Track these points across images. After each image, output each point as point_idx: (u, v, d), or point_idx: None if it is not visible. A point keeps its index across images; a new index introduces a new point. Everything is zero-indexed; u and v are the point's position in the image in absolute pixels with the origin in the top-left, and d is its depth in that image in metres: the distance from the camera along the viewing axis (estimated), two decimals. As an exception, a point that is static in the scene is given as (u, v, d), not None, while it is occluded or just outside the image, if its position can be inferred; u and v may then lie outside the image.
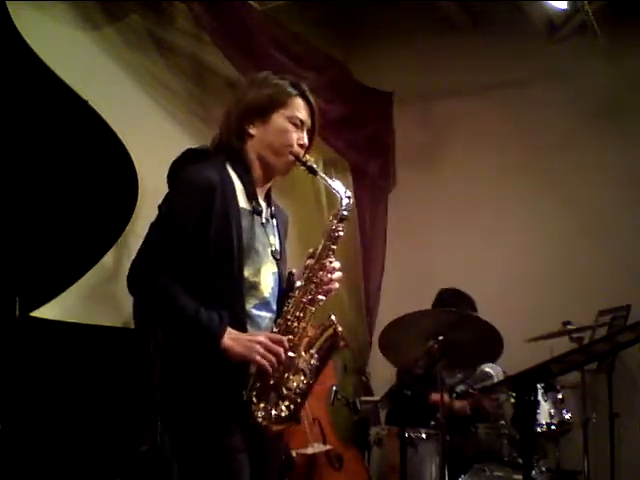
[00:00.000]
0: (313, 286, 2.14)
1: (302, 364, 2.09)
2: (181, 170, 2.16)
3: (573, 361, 2.35)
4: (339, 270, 2.20)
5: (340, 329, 2.14)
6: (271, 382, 2.04)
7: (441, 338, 3.20)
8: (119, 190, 2.55)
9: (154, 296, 2.04)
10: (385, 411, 4.16)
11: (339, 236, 2.19)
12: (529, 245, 4.92)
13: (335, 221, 2.19)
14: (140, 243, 3.00)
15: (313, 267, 2.16)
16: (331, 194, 5.12)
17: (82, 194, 2.45)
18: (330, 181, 2.23)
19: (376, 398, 4.01)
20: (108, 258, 2.63)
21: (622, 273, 4.55)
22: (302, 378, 2.08)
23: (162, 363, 2.14)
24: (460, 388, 3.64)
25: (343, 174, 5.17)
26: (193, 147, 2.27)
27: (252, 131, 2.20)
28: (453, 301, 4.05)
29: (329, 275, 2.17)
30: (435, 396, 3.73)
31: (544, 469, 3.49)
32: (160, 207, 2.12)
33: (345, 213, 2.20)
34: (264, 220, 2.20)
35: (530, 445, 2.81)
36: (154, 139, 3.73)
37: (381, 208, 5.31)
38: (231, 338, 2.00)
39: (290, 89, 2.23)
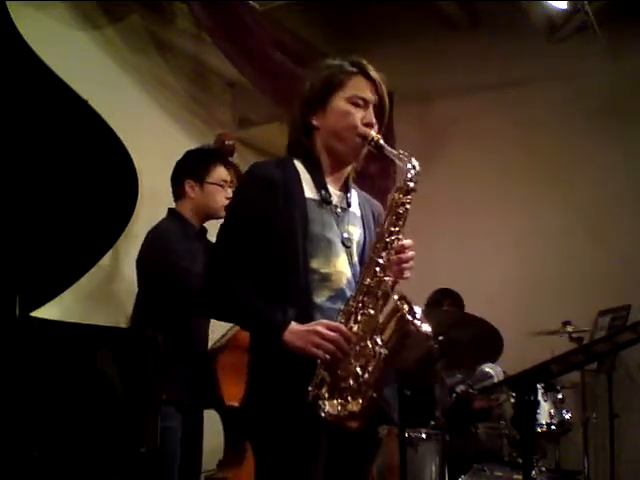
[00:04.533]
0: (378, 267, 1.96)
1: (369, 353, 1.90)
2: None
3: (573, 361, 2.35)
4: (411, 249, 2.03)
5: (406, 311, 1.92)
6: (336, 374, 1.90)
7: (441, 338, 3.20)
8: (119, 190, 2.54)
9: (227, 301, 2.01)
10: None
11: (406, 210, 2.02)
12: (529, 245, 4.92)
13: (401, 195, 2.04)
14: (139, 243, 3.02)
15: (375, 246, 2.00)
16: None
17: (82, 194, 2.45)
18: (395, 152, 2.12)
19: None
20: (107, 259, 2.63)
21: (622, 273, 4.55)
22: (367, 367, 1.90)
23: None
24: (460, 388, 3.63)
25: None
26: (193, 148, 2.27)
27: (316, 122, 2.11)
28: (438, 298, 4.24)
29: (398, 255, 2.00)
30: (480, 402, 3.73)
31: (544, 469, 3.48)
32: (226, 207, 2.30)
33: (411, 185, 2.04)
34: (339, 210, 2.10)
35: (530, 445, 2.81)
36: (154, 139, 3.73)
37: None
38: (291, 332, 1.91)
39: (347, 68, 2.15)
